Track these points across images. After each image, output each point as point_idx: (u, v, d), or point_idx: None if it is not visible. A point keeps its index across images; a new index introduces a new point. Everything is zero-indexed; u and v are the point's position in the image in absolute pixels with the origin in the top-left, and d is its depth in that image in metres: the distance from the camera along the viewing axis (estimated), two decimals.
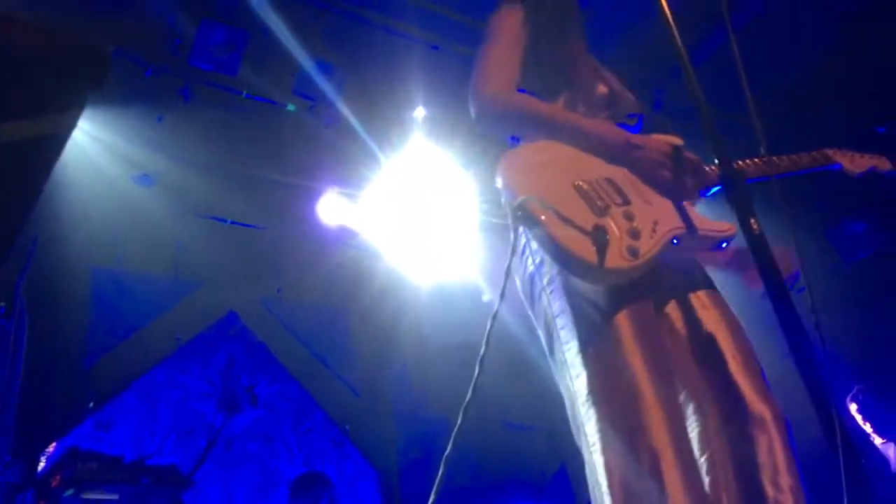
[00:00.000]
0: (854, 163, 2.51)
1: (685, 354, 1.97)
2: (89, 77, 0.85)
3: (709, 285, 2.11)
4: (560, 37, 2.34)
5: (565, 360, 1.94)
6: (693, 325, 2.00)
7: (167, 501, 3.44)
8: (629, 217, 1.89)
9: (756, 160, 2.25)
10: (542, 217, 1.82)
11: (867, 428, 5.24)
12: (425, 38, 5.25)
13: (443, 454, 1.67)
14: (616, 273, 1.81)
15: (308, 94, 5.49)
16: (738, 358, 1.91)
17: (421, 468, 6.45)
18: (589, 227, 1.81)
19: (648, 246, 1.85)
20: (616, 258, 1.80)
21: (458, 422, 1.70)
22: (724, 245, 2.00)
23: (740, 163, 2.21)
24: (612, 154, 2.07)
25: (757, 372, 1.90)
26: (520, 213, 1.84)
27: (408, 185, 6.39)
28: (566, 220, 1.82)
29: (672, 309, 2.04)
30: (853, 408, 5.27)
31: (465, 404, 1.69)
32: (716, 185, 2.13)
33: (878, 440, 5.20)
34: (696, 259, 2.18)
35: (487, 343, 1.72)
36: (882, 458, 5.15)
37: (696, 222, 1.99)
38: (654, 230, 1.88)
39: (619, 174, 2.02)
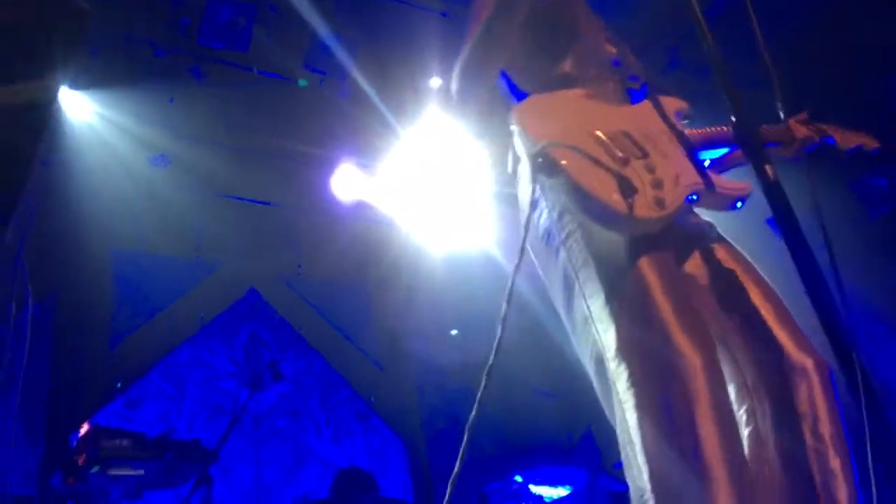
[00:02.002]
0: (845, 138, 2.52)
1: (714, 306, 1.93)
2: (68, 37, 0.83)
3: (727, 242, 2.07)
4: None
5: (590, 314, 1.89)
6: (719, 278, 1.96)
7: (194, 476, 3.48)
8: (651, 169, 1.85)
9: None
10: (566, 162, 1.79)
11: None
12: (438, 6, 5.19)
13: (467, 422, 1.65)
14: (644, 222, 1.78)
15: (319, 68, 5.46)
16: (771, 308, 1.87)
17: (447, 437, 6.48)
18: (613, 186, 1.77)
19: (673, 197, 1.81)
20: (644, 207, 1.76)
21: (482, 384, 1.66)
22: (738, 205, 1.97)
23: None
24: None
25: (792, 321, 1.86)
26: (540, 159, 1.80)
27: (423, 156, 6.36)
28: (593, 162, 1.78)
29: (695, 262, 2.01)
30: None
31: (488, 367, 1.66)
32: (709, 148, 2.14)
33: None
34: (708, 220, 2.13)
35: (509, 302, 1.68)
36: None
37: (714, 179, 1.95)
38: (676, 183, 1.84)
39: (633, 127, 1.98)
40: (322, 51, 5.33)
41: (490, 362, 1.67)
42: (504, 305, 1.69)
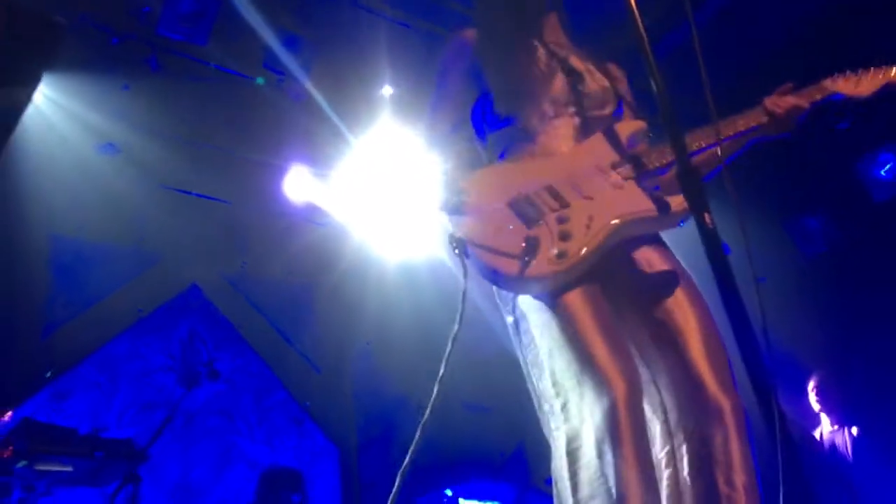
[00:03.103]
0: (861, 84, 2.22)
1: (650, 349, 1.99)
2: (44, 50, 0.84)
3: (679, 275, 2.07)
4: (509, 44, 2.34)
5: (528, 361, 2.03)
6: (658, 316, 1.99)
7: (122, 475, 3.43)
8: (562, 220, 1.95)
9: (706, 127, 2.11)
10: (470, 247, 1.96)
11: (823, 415, 5.36)
12: (393, 14, 5.23)
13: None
14: (543, 279, 1.89)
15: (277, 69, 5.44)
16: (703, 346, 1.90)
17: (380, 446, 6.49)
18: (518, 246, 1.89)
19: (580, 245, 1.90)
20: (542, 265, 1.87)
21: (434, 394, 1.83)
22: (681, 224, 2.00)
23: (690, 134, 2.09)
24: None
25: (721, 362, 1.88)
26: (453, 244, 1.97)
27: (375, 164, 6.38)
28: (490, 249, 1.93)
29: (637, 300, 2.04)
30: (812, 393, 5.38)
31: (439, 377, 1.83)
32: (661, 170, 2.11)
33: (827, 427, 5.34)
34: (664, 249, 2.15)
35: (460, 321, 1.86)
36: (832, 446, 5.28)
37: (645, 204, 1.99)
38: (588, 227, 1.93)
39: (563, 176, 2.06)
40: (281, 51, 5.32)
41: (441, 373, 1.83)
42: (456, 325, 1.86)
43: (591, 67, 2.37)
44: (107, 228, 5.75)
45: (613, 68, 2.44)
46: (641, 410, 1.83)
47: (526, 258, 1.86)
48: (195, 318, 6.17)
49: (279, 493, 4.35)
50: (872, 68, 2.25)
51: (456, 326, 1.85)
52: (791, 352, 5.12)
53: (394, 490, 1.70)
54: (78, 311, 5.56)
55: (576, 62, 2.36)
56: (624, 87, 2.41)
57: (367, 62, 5.43)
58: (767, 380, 1.37)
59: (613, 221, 1.95)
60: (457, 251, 1.96)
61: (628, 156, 2.12)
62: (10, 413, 4.77)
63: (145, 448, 3.53)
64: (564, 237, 1.90)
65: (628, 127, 2.22)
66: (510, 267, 1.87)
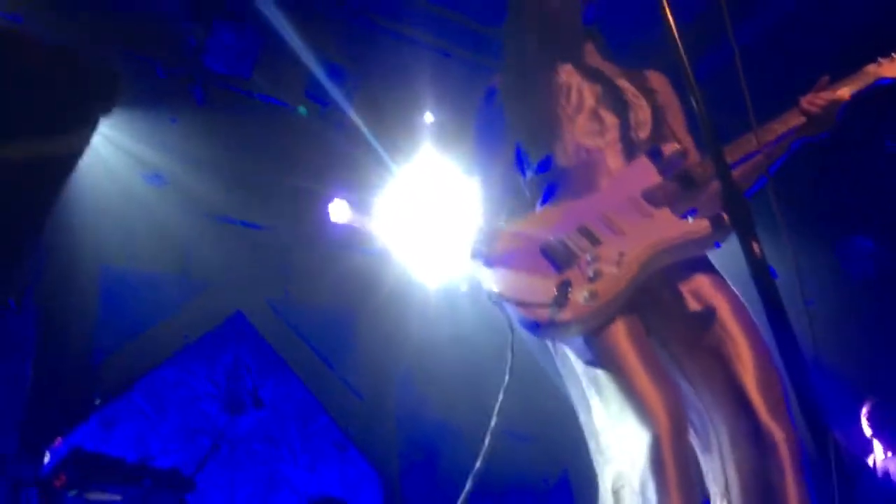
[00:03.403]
0: None
1: (697, 368, 1.95)
2: (100, 98, 0.87)
3: (729, 294, 2.03)
4: (533, 83, 2.32)
5: (572, 397, 2.04)
6: (707, 338, 1.94)
7: (170, 503, 3.47)
8: (595, 260, 1.93)
9: (746, 136, 2.09)
10: (506, 297, 1.97)
11: (875, 441, 5.22)
12: (435, 43, 5.29)
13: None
14: (575, 322, 1.87)
15: (320, 98, 5.53)
16: (755, 370, 1.85)
17: (422, 471, 6.46)
18: (549, 293, 1.89)
19: (610, 283, 1.88)
20: (574, 308, 1.86)
21: (492, 423, 1.91)
22: (718, 246, 1.98)
23: (728, 146, 2.04)
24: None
25: (774, 387, 1.83)
26: (492, 297, 2.01)
27: (417, 191, 6.42)
28: (522, 303, 1.93)
29: (679, 327, 2.01)
30: (864, 419, 5.24)
31: (497, 406, 1.89)
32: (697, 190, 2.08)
33: (881, 455, 5.19)
34: (716, 270, 2.10)
35: (510, 373, 1.92)
36: (885, 473, 5.13)
37: (676, 231, 1.96)
38: (618, 263, 1.91)
39: (594, 215, 2.05)
40: (323, 81, 5.41)
41: (499, 401, 1.90)
42: (509, 354, 1.94)
43: (631, 88, 2.32)
44: (154, 257, 5.87)
45: (654, 78, 2.39)
46: (687, 444, 1.79)
47: (557, 304, 1.85)
48: (240, 345, 6.24)
49: None
50: None
51: (506, 377, 1.90)
52: (843, 377, 4.99)
53: None
54: (126, 339, 5.67)
55: (613, 86, 2.31)
56: (665, 98, 2.34)
57: (409, 90, 5.49)
58: (820, 409, 1.34)
59: (644, 253, 1.93)
60: (494, 301, 1.99)
61: (663, 180, 2.08)
62: (59, 440, 4.87)
63: (192, 476, 3.56)
64: (595, 277, 1.89)
65: (665, 150, 2.18)
66: (542, 315, 1.87)
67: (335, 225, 6.38)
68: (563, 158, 2.22)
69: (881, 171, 5.34)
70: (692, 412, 1.92)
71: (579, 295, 1.86)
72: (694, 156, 2.23)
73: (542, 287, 1.90)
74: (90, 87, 0.86)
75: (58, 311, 5.18)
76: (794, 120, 2.15)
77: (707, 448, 1.89)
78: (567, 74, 2.34)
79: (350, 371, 6.75)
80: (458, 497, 1.79)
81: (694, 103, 1.58)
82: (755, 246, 1.45)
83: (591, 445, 1.93)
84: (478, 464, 1.78)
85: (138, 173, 5.62)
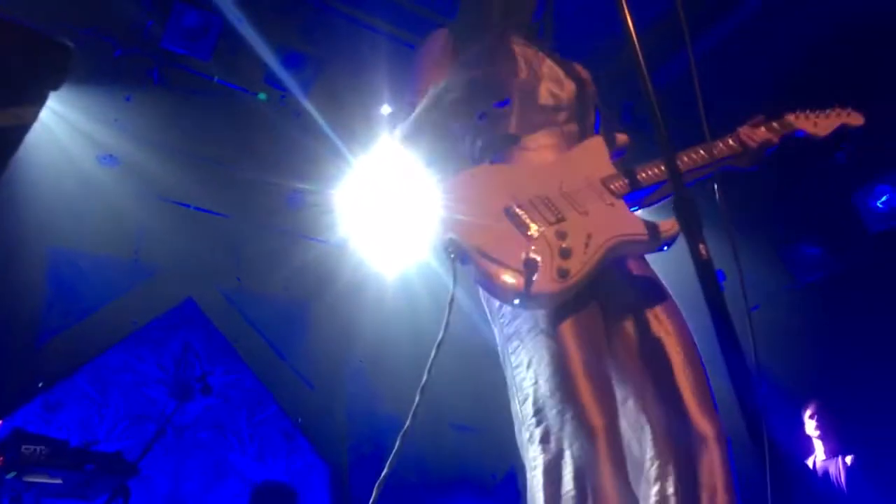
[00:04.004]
0: (818, 125, 2.34)
1: (637, 367, 1.98)
2: (50, 73, 0.86)
3: (665, 298, 2.09)
4: (494, 48, 2.31)
5: (514, 383, 1.99)
6: (646, 339, 2.00)
7: (112, 488, 3.42)
8: (561, 236, 1.91)
9: (698, 149, 2.17)
10: (469, 254, 1.87)
11: (818, 442, 5.35)
12: (394, 33, 5.27)
13: (392, 449, 1.71)
14: (545, 297, 1.85)
15: (279, 85, 5.47)
16: (688, 373, 1.91)
17: (371, 464, 6.46)
18: (518, 258, 1.83)
19: (580, 264, 1.87)
20: (545, 282, 1.83)
21: (415, 403, 1.75)
22: (665, 248, 1.99)
23: (684, 158, 2.15)
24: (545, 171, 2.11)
25: (704, 388, 1.91)
26: (450, 248, 1.88)
27: (375, 182, 6.40)
28: (492, 259, 1.85)
29: (627, 321, 2.04)
30: (807, 420, 5.36)
31: (420, 386, 1.74)
32: (649, 190, 2.13)
33: (821, 456, 5.33)
34: (650, 273, 2.17)
35: (446, 328, 1.78)
36: (825, 474, 5.26)
37: (637, 226, 1.99)
38: (586, 245, 1.90)
39: (556, 187, 2.04)
40: (283, 67, 5.36)
41: (423, 381, 1.75)
42: (441, 332, 1.77)
43: (570, 75, 2.36)
44: (103, 240, 5.76)
45: (581, 70, 2.43)
46: (620, 444, 1.84)
47: (529, 273, 1.81)
48: (190, 331, 6.16)
49: None
50: (829, 109, 2.36)
51: (441, 333, 1.76)
52: (785, 379, 5.12)
53: (371, 499, 1.66)
54: (73, 321, 5.56)
55: (558, 70, 2.35)
56: (593, 90, 2.40)
57: (367, 80, 5.47)
58: (757, 408, 1.38)
59: (609, 241, 1.93)
60: (452, 256, 1.87)
61: (616, 171, 2.12)
62: (0, 421, 4.77)
63: (136, 462, 3.51)
64: (565, 254, 1.87)
65: (613, 140, 2.22)
66: (513, 280, 1.82)
67: (291, 214, 6.34)
68: (516, 120, 2.21)
69: (830, 179, 5.48)
70: (626, 403, 1.96)
71: (550, 269, 1.84)
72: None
73: (511, 251, 1.85)
74: (40, 60, 0.84)
75: (3, 291, 5.06)
76: (732, 148, 2.24)
77: (643, 430, 1.94)
78: (521, 47, 2.37)
79: (301, 361, 6.71)
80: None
81: (651, 108, 1.60)
82: (702, 247, 1.48)
83: (525, 435, 1.90)
84: (407, 422, 1.71)
85: (91, 154, 5.50)
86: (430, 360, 1.75)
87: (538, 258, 1.83)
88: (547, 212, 1.96)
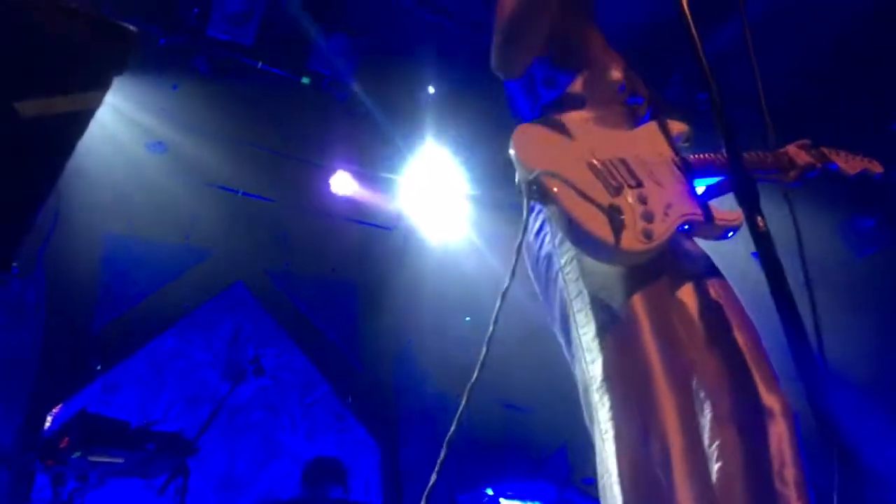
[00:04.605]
0: (848, 163, 2.51)
1: (698, 340, 1.96)
2: (113, 57, 0.87)
3: (719, 275, 2.10)
4: (576, 13, 2.30)
5: (581, 344, 1.94)
6: (706, 312, 1.98)
7: (171, 467, 3.51)
8: (643, 199, 1.89)
9: (752, 153, 2.28)
10: (557, 191, 1.81)
11: None
12: (437, 13, 5.24)
13: (441, 429, 1.69)
14: (631, 254, 1.82)
15: (323, 68, 5.50)
16: (749, 347, 1.90)
17: (420, 442, 6.52)
18: (605, 205, 1.81)
19: (662, 229, 1.85)
20: (632, 239, 1.80)
21: (463, 402, 1.68)
22: (729, 235, 2.00)
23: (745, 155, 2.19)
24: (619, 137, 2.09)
25: (766, 364, 1.89)
26: (534, 187, 1.82)
27: (420, 163, 6.42)
28: (583, 195, 1.81)
29: (686, 294, 2.02)
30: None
31: (469, 384, 1.69)
32: (706, 176, 2.15)
33: None
34: (703, 251, 2.16)
35: (496, 322, 1.71)
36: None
37: (708, 209, 1.99)
38: (666, 213, 1.88)
39: (632, 154, 2.02)
40: (326, 51, 5.37)
41: (472, 379, 1.69)
42: (491, 326, 1.72)
43: (626, 62, 2.36)
44: (155, 226, 5.88)
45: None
46: (695, 415, 1.81)
47: (615, 225, 1.78)
48: (240, 314, 6.27)
49: (322, 485, 4.39)
50: (856, 155, 2.56)
51: (507, 281, 1.70)
52: (843, 356, 5.02)
53: (428, 486, 1.65)
54: (128, 306, 5.70)
55: (618, 56, 2.36)
56: (643, 81, 2.42)
57: (412, 61, 5.46)
58: (821, 384, 1.35)
59: (684, 216, 1.92)
60: (535, 193, 1.82)
61: (681, 154, 2.12)
62: (61, 405, 4.92)
63: (193, 441, 3.60)
64: (648, 218, 1.84)
65: (675, 126, 2.22)
66: (603, 229, 1.79)
67: (337, 197, 6.40)
68: (587, 91, 2.19)
69: (885, 150, 5.32)
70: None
71: (635, 229, 1.81)
72: None
73: (594, 204, 1.82)
74: (104, 46, 0.86)
75: (61, 278, 5.21)
76: (781, 161, 2.34)
77: (704, 406, 1.91)
78: (589, 31, 2.37)
79: (350, 342, 6.79)
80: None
81: (708, 91, 1.58)
82: (760, 220, 1.45)
83: (593, 400, 1.88)
84: (464, 398, 1.67)
85: (141, 141, 5.61)
86: (496, 309, 1.70)
87: (620, 215, 1.81)
88: (626, 174, 1.94)
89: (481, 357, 1.70)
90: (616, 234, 1.77)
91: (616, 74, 2.26)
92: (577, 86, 2.19)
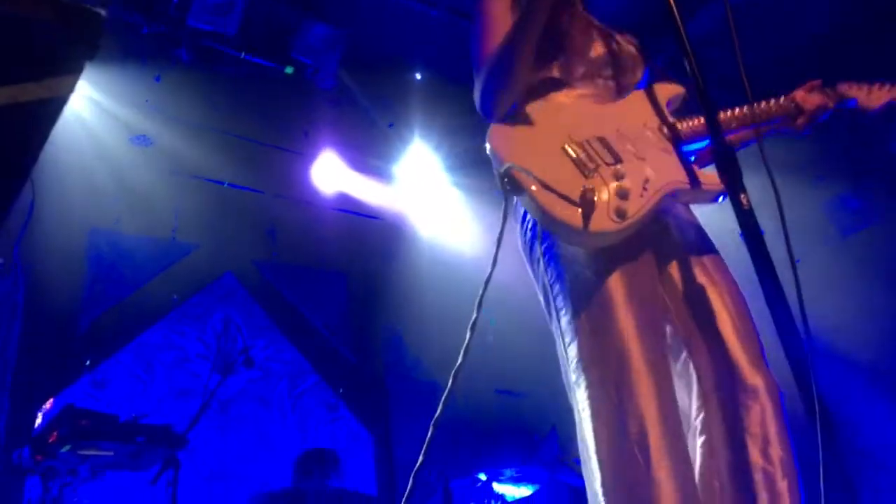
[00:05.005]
0: (871, 96, 2.29)
1: (684, 315, 1.97)
2: (84, 42, 0.86)
3: (712, 250, 2.08)
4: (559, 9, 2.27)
5: (560, 327, 1.97)
6: (694, 287, 1.97)
7: (162, 459, 3.50)
8: (619, 176, 1.89)
9: (743, 108, 2.15)
10: (525, 182, 1.85)
11: None
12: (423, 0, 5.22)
13: (434, 418, 1.72)
14: (602, 235, 1.83)
15: (306, 57, 5.46)
16: (736, 324, 1.89)
17: (413, 432, 6.53)
18: (576, 192, 1.82)
19: (638, 206, 1.85)
20: (602, 220, 1.81)
21: (448, 386, 1.73)
22: (720, 200, 1.96)
23: (725, 113, 2.12)
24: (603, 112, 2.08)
25: (753, 340, 1.88)
26: (506, 179, 1.86)
27: (408, 151, 6.41)
28: (553, 182, 1.84)
29: (673, 267, 2.02)
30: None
31: (455, 368, 1.74)
32: (696, 141, 2.08)
33: None
34: (698, 223, 2.15)
35: (479, 307, 1.75)
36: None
37: (696, 174, 1.97)
38: (644, 188, 1.88)
39: (612, 130, 2.01)
40: (309, 40, 5.34)
41: (458, 363, 1.74)
42: (475, 312, 1.75)
43: (618, 36, 2.33)
44: (141, 220, 5.85)
45: (630, 37, 2.39)
46: (671, 393, 1.82)
47: (586, 208, 1.79)
48: (229, 306, 6.25)
49: (315, 475, 4.39)
50: (882, 84, 2.31)
51: (490, 269, 1.76)
52: (829, 333, 5.05)
53: (416, 466, 1.68)
54: (115, 301, 5.67)
55: (606, 31, 2.32)
56: (641, 48, 2.36)
57: (396, 49, 5.44)
58: (805, 361, 1.36)
59: (666, 187, 1.91)
60: (508, 187, 1.86)
61: (670, 121, 2.09)
62: (51, 400, 4.89)
63: (184, 433, 3.59)
64: (622, 195, 1.85)
65: (668, 90, 2.18)
66: (570, 215, 1.81)
67: (324, 187, 6.38)
68: (566, 73, 2.17)
69: (870, 130, 5.34)
70: (675, 350, 1.95)
71: (608, 208, 1.82)
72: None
73: (569, 182, 1.84)
74: (73, 31, 0.84)
75: (46, 274, 5.17)
76: (787, 108, 2.22)
77: (689, 380, 1.92)
78: (569, 13, 2.31)
79: (339, 332, 6.78)
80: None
81: (687, 64, 1.58)
82: (743, 198, 1.45)
83: (572, 378, 1.90)
84: (450, 381, 1.71)
85: (124, 135, 5.57)
86: (479, 296, 1.74)
87: (595, 195, 1.82)
88: (604, 152, 1.94)
89: (465, 342, 1.73)
90: (585, 218, 1.79)
91: (598, 50, 2.23)
92: (553, 70, 2.17)
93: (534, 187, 1.84)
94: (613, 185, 1.87)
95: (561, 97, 2.14)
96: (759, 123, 2.19)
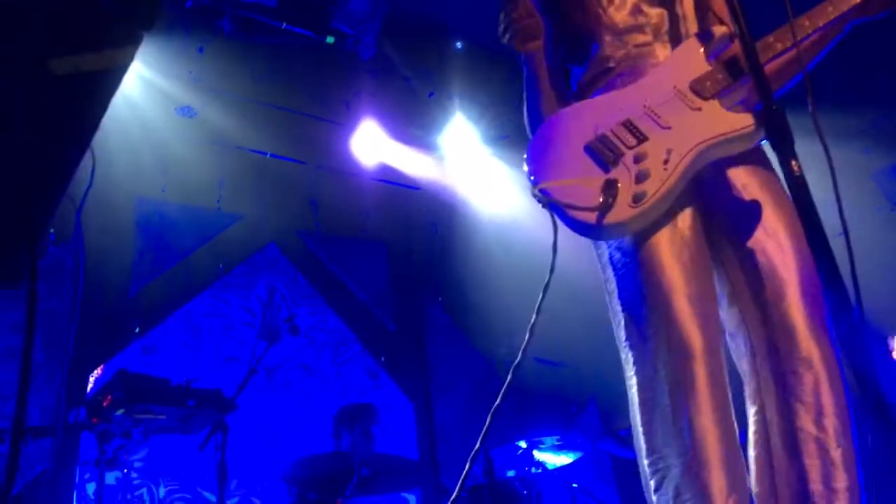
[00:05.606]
0: None
1: (738, 275, 1.90)
2: (142, 13, 0.88)
3: (779, 203, 1.90)
4: None
5: (611, 308, 2.00)
6: (744, 246, 1.87)
7: (211, 423, 3.59)
8: (639, 158, 1.87)
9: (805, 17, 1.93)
10: (556, 195, 1.91)
11: None
12: None
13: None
14: (621, 226, 1.84)
15: (347, 27, 5.46)
16: (797, 284, 1.79)
17: (453, 400, 6.59)
18: (596, 193, 1.84)
19: (658, 184, 1.82)
20: (620, 210, 1.81)
21: (524, 342, 1.87)
22: (759, 141, 1.89)
23: (770, 38, 1.95)
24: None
25: (814, 302, 1.77)
26: (539, 199, 1.93)
27: (446, 119, 6.39)
28: (570, 206, 1.89)
29: (727, 224, 1.93)
30: None
31: (530, 325, 1.85)
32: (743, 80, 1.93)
33: None
34: (765, 169, 1.98)
35: (552, 271, 1.87)
36: None
37: (727, 124, 1.86)
38: (665, 161, 1.84)
39: (638, 107, 1.97)
40: (350, 9, 5.33)
41: (532, 320, 1.86)
42: (548, 274, 1.88)
43: None
44: (187, 189, 5.93)
45: None
46: (719, 362, 1.81)
47: (604, 206, 1.81)
48: (273, 274, 6.35)
49: (356, 425, 4.49)
50: None
51: (548, 276, 1.85)
52: (878, 306, 4.96)
53: (476, 447, 1.75)
54: (163, 269, 5.79)
55: None
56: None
57: (437, 17, 5.40)
58: (858, 337, 1.33)
59: (692, 151, 1.85)
60: (542, 206, 1.92)
61: (711, 69, 1.98)
62: (101, 367, 5.04)
63: (233, 398, 3.68)
64: (641, 178, 1.83)
65: (713, 34, 2.03)
66: (589, 218, 1.83)
67: (365, 157, 6.41)
68: (605, 53, 2.15)
69: None
70: (728, 316, 1.93)
71: (626, 197, 1.82)
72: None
73: (589, 188, 1.86)
74: (131, 2, 0.87)
75: (95, 242, 5.29)
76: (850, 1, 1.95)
77: (740, 351, 1.90)
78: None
79: (382, 302, 6.85)
80: (490, 425, 1.83)
81: (739, 24, 1.51)
82: (794, 164, 1.42)
83: (622, 356, 1.94)
84: (518, 357, 1.81)
85: (169, 106, 5.65)
86: (539, 301, 1.85)
87: (615, 188, 1.83)
88: (628, 136, 1.91)
89: (538, 302, 1.87)
90: (601, 214, 1.82)
91: (628, 12, 2.15)
92: (599, 53, 2.16)
93: (563, 193, 1.91)
94: (634, 169, 1.86)
95: (612, 77, 2.13)
96: (815, 30, 1.95)
